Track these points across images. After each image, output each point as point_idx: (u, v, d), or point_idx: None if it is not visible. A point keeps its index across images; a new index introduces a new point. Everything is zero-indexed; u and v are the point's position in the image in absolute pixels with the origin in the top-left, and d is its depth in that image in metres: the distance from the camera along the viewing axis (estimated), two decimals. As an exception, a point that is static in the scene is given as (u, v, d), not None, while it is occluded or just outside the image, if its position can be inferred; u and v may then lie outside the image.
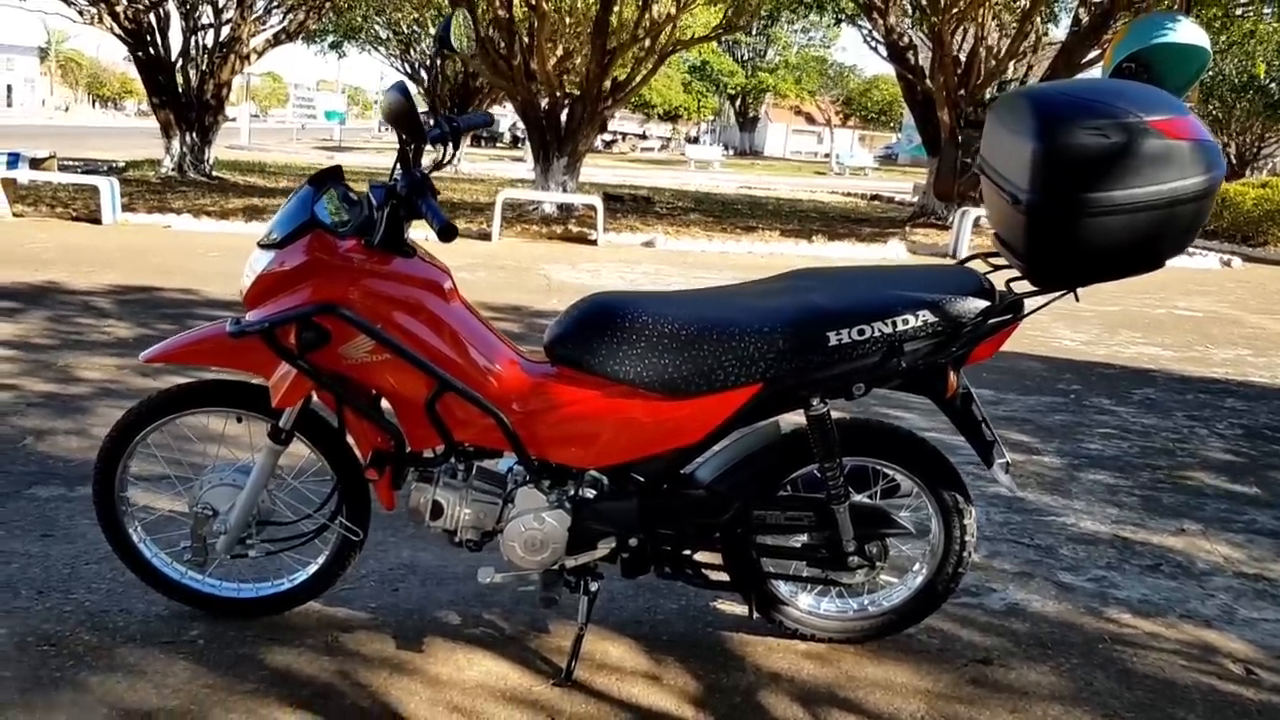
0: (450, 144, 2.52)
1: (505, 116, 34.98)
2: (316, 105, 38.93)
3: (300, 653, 2.61)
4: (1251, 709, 2.56)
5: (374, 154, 29.75)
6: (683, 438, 2.47)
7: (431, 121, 2.50)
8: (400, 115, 2.20)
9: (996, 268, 2.55)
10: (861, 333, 2.35)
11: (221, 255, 9.35)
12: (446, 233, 2.11)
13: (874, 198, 23.70)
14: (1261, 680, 2.69)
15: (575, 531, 2.52)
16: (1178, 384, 6.26)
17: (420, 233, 2.30)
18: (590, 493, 2.54)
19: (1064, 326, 7.92)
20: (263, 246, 2.39)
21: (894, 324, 2.35)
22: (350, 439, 2.56)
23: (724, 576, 2.65)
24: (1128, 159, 2.17)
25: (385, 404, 2.52)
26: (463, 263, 9.75)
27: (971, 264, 2.59)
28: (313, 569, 2.76)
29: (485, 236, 11.94)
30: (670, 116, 51.74)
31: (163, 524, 2.84)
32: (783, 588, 2.73)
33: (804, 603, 2.75)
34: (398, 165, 2.38)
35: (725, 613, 2.90)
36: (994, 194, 2.43)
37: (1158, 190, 2.17)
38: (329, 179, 2.46)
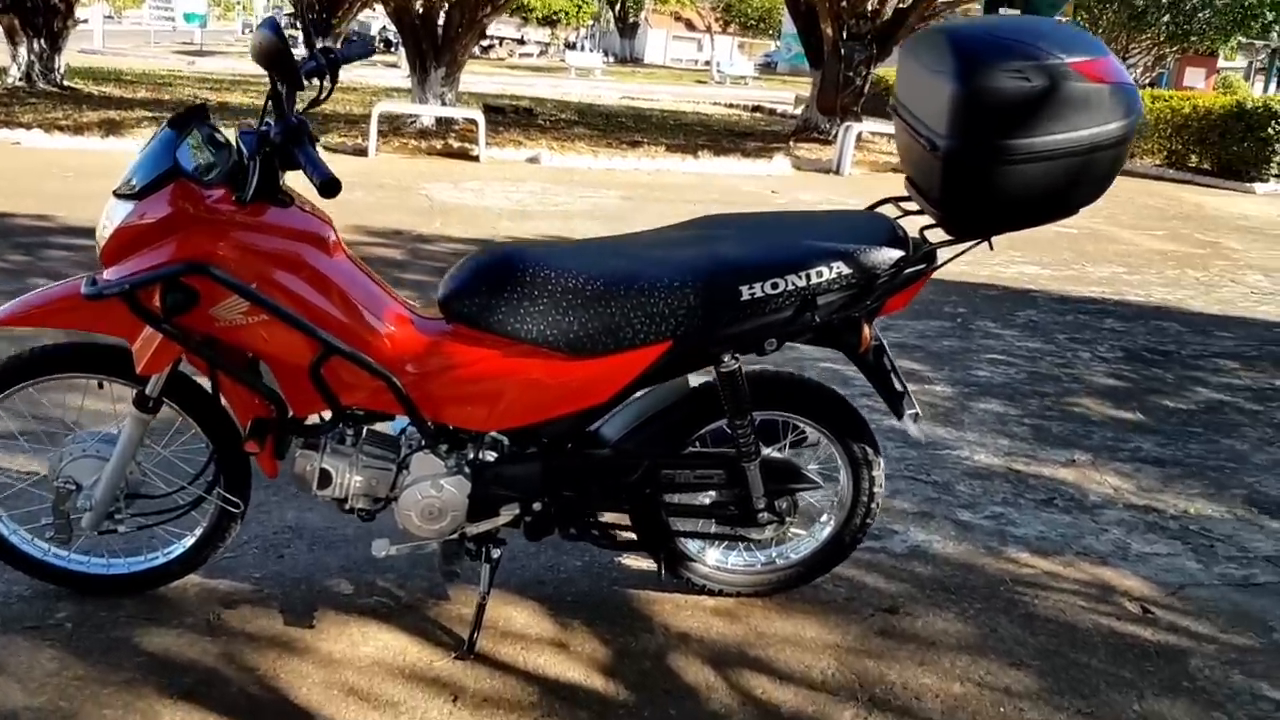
0: (328, 77, 2.30)
1: (376, 19, 33.54)
2: (175, 6, 36.50)
3: (180, 634, 2.43)
4: (1150, 649, 2.61)
5: (237, 59, 28.19)
6: (588, 398, 2.34)
7: (306, 53, 2.28)
8: (273, 56, 1.98)
9: (908, 213, 2.46)
10: (775, 286, 2.25)
11: (77, 175, 8.75)
12: (329, 188, 1.91)
13: (756, 109, 23.55)
14: (1158, 619, 2.75)
15: (476, 498, 2.39)
16: (1058, 305, 6.38)
17: (300, 181, 2.08)
18: (490, 456, 2.41)
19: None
20: (120, 196, 2.15)
21: (807, 277, 2.25)
22: (226, 405, 2.36)
23: (631, 536, 2.56)
24: (1048, 103, 2.10)
25: (264, 367, 2.33)
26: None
27: (882, 209, 2.50)
28: (189, 541, 2.57)
29: (361, 152, 11.45)
30: (548, 21, 50.40)
31: (18, 498, 2.60)
32: (690, 544, 2.65)
33: (711, 558, 2.68)
34: (269, 107, 2.16)
35: (630, 569, 2.82)
36: (908, 137, 2.33)
37: (1078, 136, 2.11)
38: (192, 119, 2.21)
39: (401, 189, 9.30)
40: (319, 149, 2.09)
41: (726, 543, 2.69)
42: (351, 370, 2.23)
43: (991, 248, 2.36)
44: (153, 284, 2.08)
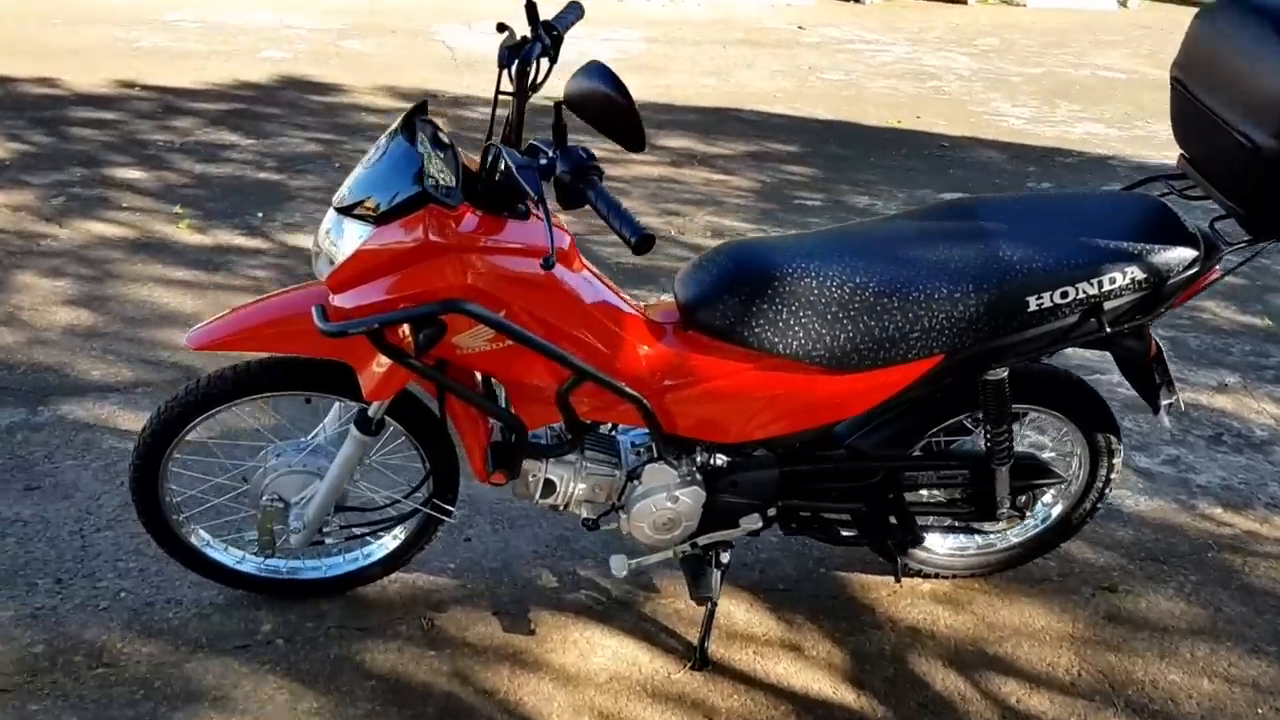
0: (548, 59, 2.00)
1: None
2: None
3: (400, 649, 2.31)
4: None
5: None
6: (845, 412, 2.17)
7: (530, 34, 1.98)
8: (608, 115, 1.74)
9: (1186, 197, 2.25)
10: (1064, 295, 2.05)
11: (67, 23, 8.09)
12: (644, 245, 1.66)
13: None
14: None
15: (710, 507, 2.24)
16: (1139, 174, 6.15)
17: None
18: (723, 462, 2.25)
19: (1001, 97, 7.69)
20: (349, 214, 1.89)
21: (1099, 284, 2.06)
22: (452, 427, 2.16)
23: (854, 531, 2.43)
24: None
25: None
26: (334, 24, 8.74)
27: (1147, 188, 2.29)
28: (392, 545, 2.42)
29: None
30: None
31: (212, 510, 2.42)
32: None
33: (930, 543, 2.56)
34: (507, 119, 1.91)
35: (830, 553, 2.69)
36: (1203, 121, 2.10)
37: None
38: (414, 118, 1.94)
39: (412, 35, 8.70)
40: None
41: (949, 530, 2.56)
42: (598, 392, 2.04)
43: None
44: (403, 322, 1.86)
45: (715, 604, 2.33)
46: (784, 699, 2.26)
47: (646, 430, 2.16)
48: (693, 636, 2.39)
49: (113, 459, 2.87)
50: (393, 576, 2.48)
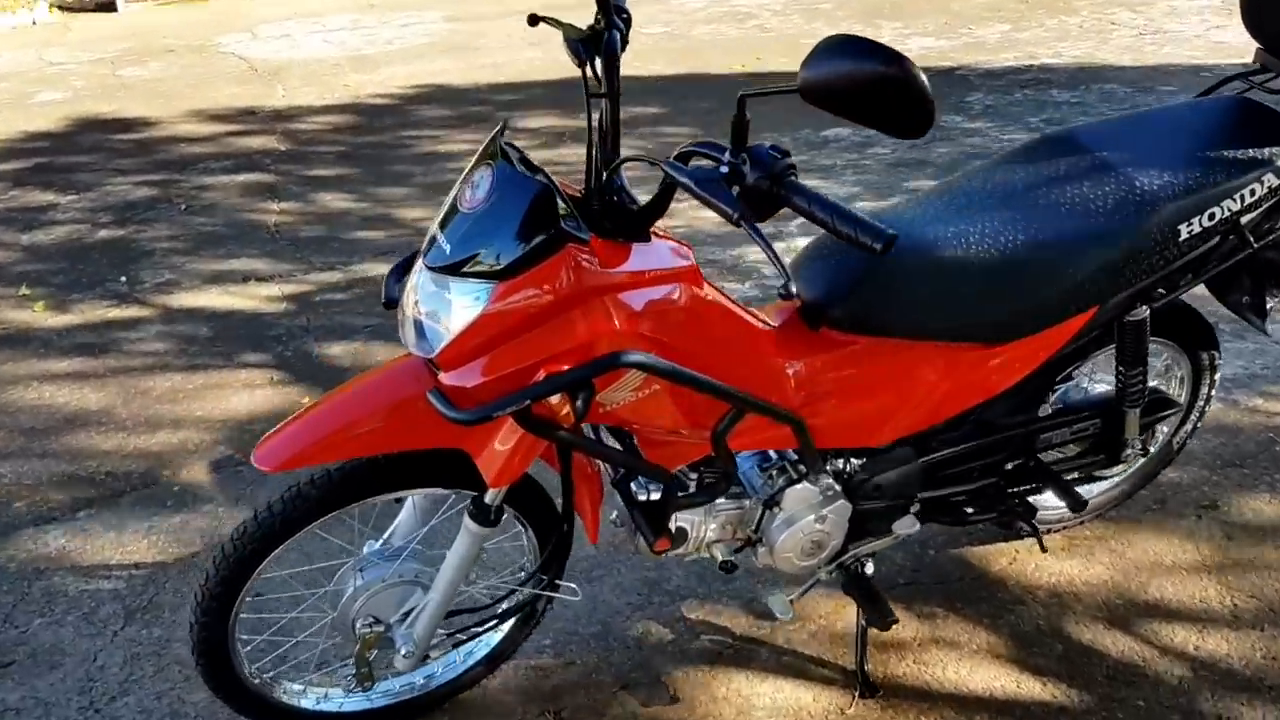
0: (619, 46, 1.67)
1: None
2: None
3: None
4: None
5: None
6: (999, 387, 1.97)
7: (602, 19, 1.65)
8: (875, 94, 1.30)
9: (1264, 89, 2.14)
10: (1211, 217, 1.90)
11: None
12: (890, 246, 1.36)
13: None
14: None
15: (855, 519, 2.01)
16: (993, 82, 6.21)
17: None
18: (863, 467, 2.01)
19: (824, 26, 7.67)
20: (456, 273, 1.52)
21: (1241, 198, 1.91)
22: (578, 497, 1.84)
23: (982, 509, 2.24)
24: None
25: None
26: (102, 54, 7.91)
27: (1230, 89, 2.17)
28: (495, 639, 2.08)
29: (107, 7, 9.73)
30: None
31: (295, 654, 2.01)
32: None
33: (1046, 499, 2.40)
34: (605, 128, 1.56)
35: (936, 536, 2.50)
36: None
37: None
38: (501, 142, 1.59)
39: (195, 51, 7.96)
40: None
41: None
42: (756, 422, 1.76)
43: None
44: (558, 390, 1.52)
45: (868, 624, 2.11)
46: (971, 705, 2.06)
47: (771, 453, 1.91)
48: (842, 661, 2.16)
49: (89, 605, 2.39)
50: (492, 675, 2.14)
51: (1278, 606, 2.25)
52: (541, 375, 1.52)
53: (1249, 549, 2.41)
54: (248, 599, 1.78)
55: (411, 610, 1.86)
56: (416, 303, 1.58)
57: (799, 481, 1.93)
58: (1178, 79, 6.00)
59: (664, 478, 1.76)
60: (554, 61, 7.07)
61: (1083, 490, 2.30)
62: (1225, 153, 1.95)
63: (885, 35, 7.36)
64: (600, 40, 1.61)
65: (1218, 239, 1.95)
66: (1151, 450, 2.33)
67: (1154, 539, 2.46)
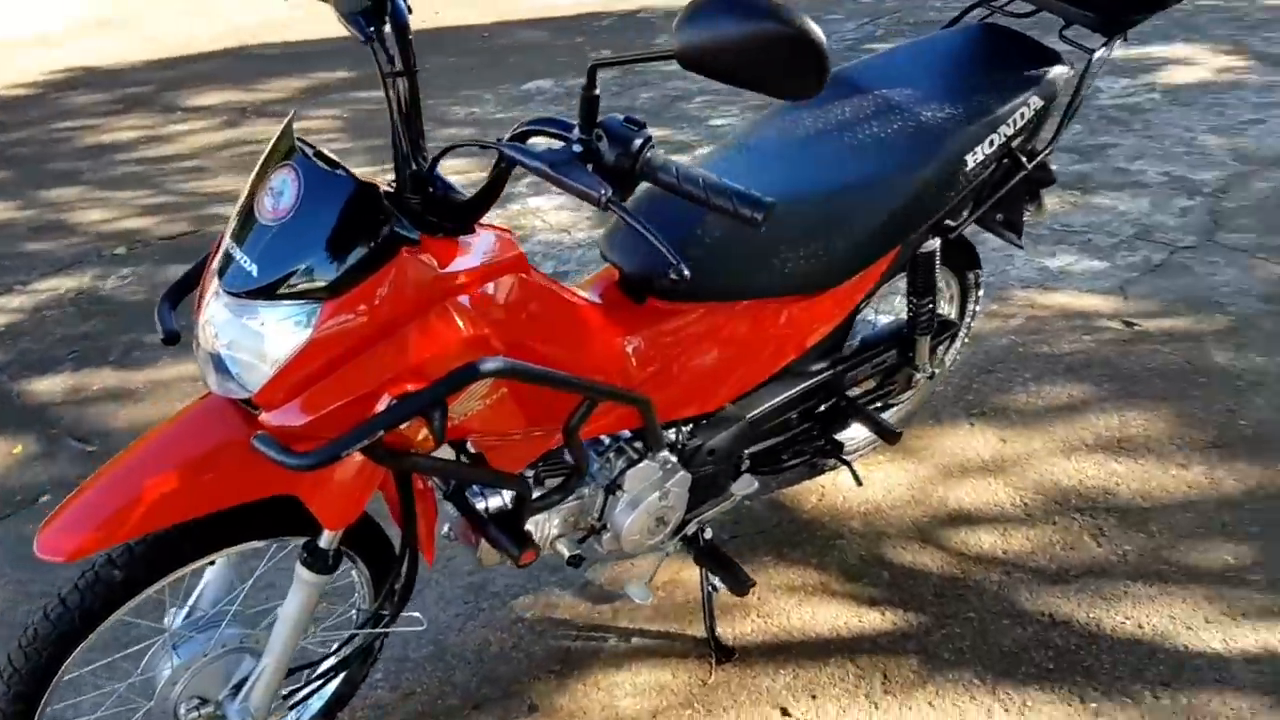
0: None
1: None
2: None
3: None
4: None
5: None
6: (820, 335, 1.97)
7: None
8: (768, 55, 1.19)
9: (1006, 13, 2.23)
10: (991, 144, 1.97)
11: None
12: (770, 215, 1.27)
13: None
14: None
15: (693, 487, 1.97)
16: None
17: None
18: (694, 434, 1.97)
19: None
20: (269, 297, 1.31)
21: (1014, 122, 2.00)
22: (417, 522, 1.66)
23: (803, 455, 2.26)
24: None
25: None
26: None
27: (975, 18, 2.25)
28: (329, 689, 1.88)
29: None
30: None
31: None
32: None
33: (851, 433, 2.45)
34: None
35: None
36: None
37: None
38: (293, 135, 1.39)
39: None
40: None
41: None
42: (605, 410, 1.66)
43: (1126, 41, 2.21)
44: (412, 416, 1.35)
45: (714, 591, 2.08)
46: (821, 648, 2.08)
47: (604, 437, 1.83)
48: (691, 631, 2.13)
49: None
50: (334, 721, 1.94)
51: (1060, 496, 2.43)
52: (386, 399, 1.35)
53: (1022, 447, 2.59)
54: (48, 710, 1.49)
55: (243, 681, 1.64)
56: (215, 335, 1.36)
57: (639, 461, 1.85)
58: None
59: (517, 484, 1.63)
60: (221, 31, 6.50)
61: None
62: (992, 79, 2.02)
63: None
64: (384, 8, 1.42)
65: (999, 164, 2.03)
66: (936, 372, 2.43)
67: (940, 453, 2.58)
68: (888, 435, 2.20)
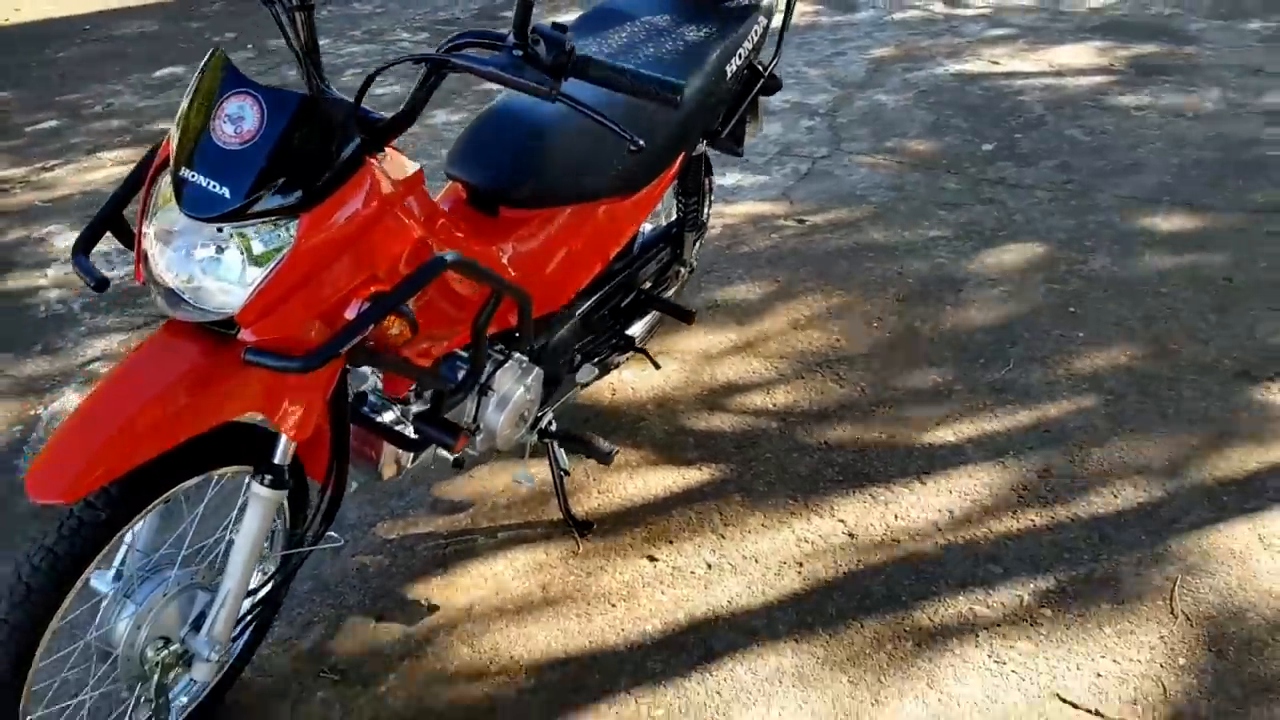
0: None
1: None
2: None
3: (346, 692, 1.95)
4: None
5: None
6: (631, 233, 2.28)
7: None
8: None
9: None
10: (740, 56, 2.36)
11: None
12: (680, 96, 1.52)
13: None
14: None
15: (545, 382, 2.22)
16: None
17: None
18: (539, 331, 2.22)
19: None
20: (235, 217, 1.41)
21: (750, 36, 2.39)
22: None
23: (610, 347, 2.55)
24: None
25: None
26: None
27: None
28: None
29: None
30: None
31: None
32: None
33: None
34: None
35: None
36: None
37: None
38: (225, 69, 1.48)
39: None
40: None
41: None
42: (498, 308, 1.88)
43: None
44: (396, 307, 1.51)
45: (565, 474, 2.35)
46: (664, 506, 2.42)
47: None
48: (547, 516, 2.38)
49: None
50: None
51: (800, 358, 2.92)
52: (356, 304, 1.50)
53: (756, 327, 3.06)
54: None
55: (201, 614, 1.69)
56: (180, 263, 1.43)
57: (506, 361, 2.07)
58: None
59: (449, 378, 1.81)
60: None
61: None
62: (727, 4, 2.41)
63: None
64: None
65: (745, 75, 2.43)
66: (695, 265, 2.82)
67: (692, 337, 2.99)
68: (686, 315, 2.56)
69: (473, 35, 1.60)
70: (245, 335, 1.45)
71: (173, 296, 1.46)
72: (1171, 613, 2.08)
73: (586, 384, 2.34)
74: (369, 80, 1.53)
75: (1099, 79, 4.81)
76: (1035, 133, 4.26)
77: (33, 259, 3.43)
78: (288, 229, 1.43)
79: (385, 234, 1.52)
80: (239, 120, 1.42)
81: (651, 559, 2.27)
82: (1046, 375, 2.80)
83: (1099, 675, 1.97)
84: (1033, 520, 2.33)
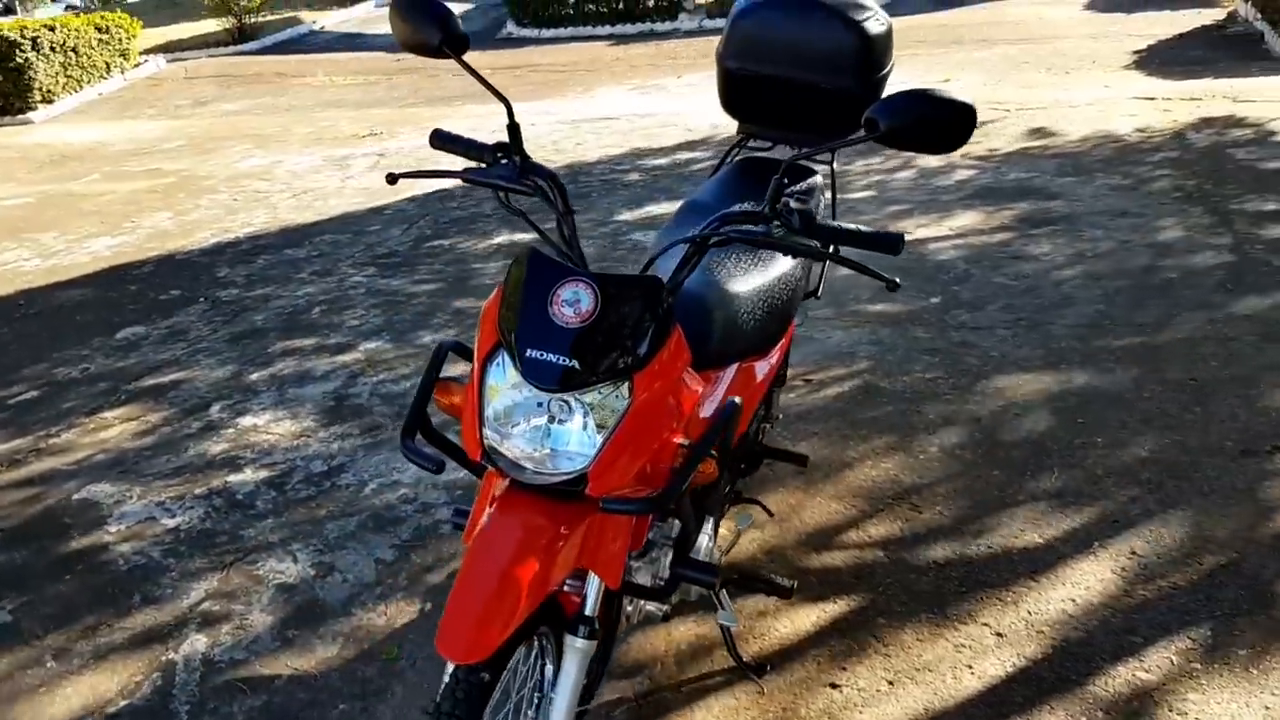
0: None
1: None
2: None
3: None
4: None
5: None
6: (769, 383, 2.54)
7: None
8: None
9: (749, 149, 3.01)
10: None
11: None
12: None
13: None
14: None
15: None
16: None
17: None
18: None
19: None
20: (580, 385, 1.61)
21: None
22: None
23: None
24: None
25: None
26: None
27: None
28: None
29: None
30: None
31: None
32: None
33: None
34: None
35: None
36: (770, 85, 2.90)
37: None
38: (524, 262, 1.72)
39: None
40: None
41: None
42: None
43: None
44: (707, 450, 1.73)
45: (779, 596, 2.54)
46: (818, 639, 2.59)
47: None
48: (718, 665, 2.51)
49: None
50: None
51: (877, 496, 3.18)
52: (674, 448, 1.71)
53: (813, 472, 3.31)
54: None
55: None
56: (528, 436, 1.61)
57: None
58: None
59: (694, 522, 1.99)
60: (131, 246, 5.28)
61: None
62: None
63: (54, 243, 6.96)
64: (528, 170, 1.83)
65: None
66: (780, 416, 3.08)
67: (761, 489, 3.22)
68: (800, 460, 2.80)
69: (739, 215, 1.85)
70: (592, 487, 1.62)
71: (518, 468, 1.62)
72: (1302, 646, 2.38)
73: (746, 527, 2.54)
74: (653, 258, 1.78)
75: (1000, 235, 5.44)
76: (969, 284, 4.79)
77: (84, 520, 3.40)
78: (623, 390, 1.63)
79: (686, 389, 1.74)
80: (575, 303, 1.63)
81: (834, 685, 2.43)
82: (1089, 476, 3.15)
83: (1267, 709, 2.22)
84: (1144, 593, 2.61)
